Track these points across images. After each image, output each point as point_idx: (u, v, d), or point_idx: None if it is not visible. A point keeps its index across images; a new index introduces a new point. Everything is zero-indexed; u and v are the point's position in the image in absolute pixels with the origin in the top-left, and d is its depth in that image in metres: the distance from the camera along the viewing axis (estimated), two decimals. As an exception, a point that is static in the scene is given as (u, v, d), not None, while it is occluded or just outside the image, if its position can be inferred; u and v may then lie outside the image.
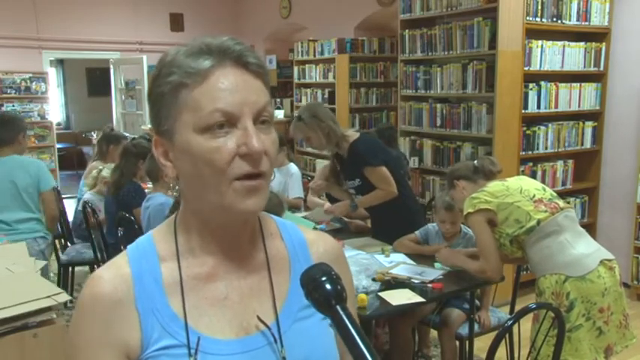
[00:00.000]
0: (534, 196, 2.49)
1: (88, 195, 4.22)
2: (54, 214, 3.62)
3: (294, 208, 4.13)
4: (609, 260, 2.38)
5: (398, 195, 3.13)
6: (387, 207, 3.16)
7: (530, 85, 4.22)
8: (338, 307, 0.72)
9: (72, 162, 10.47)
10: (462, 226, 2.99)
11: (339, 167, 3.49)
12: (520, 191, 2.50)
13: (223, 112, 0.77)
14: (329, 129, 3.14)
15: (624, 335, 2.39)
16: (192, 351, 0.80)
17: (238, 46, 0.80)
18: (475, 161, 2.76)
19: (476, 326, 2.89)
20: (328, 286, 0.73)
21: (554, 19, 4.26)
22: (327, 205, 3.53)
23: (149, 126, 7.90)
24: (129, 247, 0.88)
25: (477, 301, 2.94)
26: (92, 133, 9.22)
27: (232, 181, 0.78)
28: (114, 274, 0.83)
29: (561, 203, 2.51)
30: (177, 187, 0.87)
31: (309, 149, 7.37)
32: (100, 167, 4.38)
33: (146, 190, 3.80)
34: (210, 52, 0.79)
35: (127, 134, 7.36)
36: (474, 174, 2.69)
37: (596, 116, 4.67)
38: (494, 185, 2.56)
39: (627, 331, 2.41)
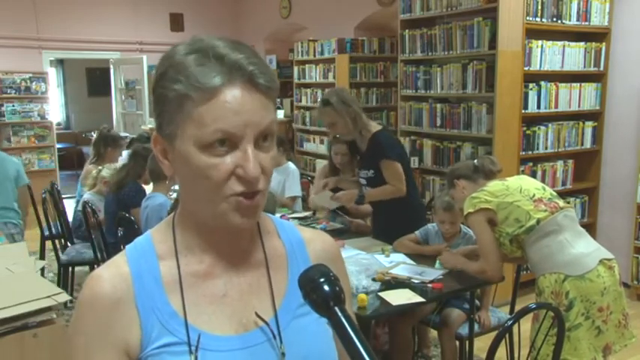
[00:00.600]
0: (534, 195, 2.49)
1: (87, 195, 4.22)
2: (28, 205, 4.25)
3: (286, 207, 4.12)
4: (609, 260, 2.39)
5: (405, 194, 3.14)
6: (392, 205, 3.17)
7: (530, 85, 4.22)
8: (336, 309, 0.72)
9: (72, 162, 10.47)
10: (461, 226, 2.99)
11: (354, 157, 3.50)
12: (520, 190, 2.50)
13: (225, 132, 0.76)
14: (355, 114, 3.15)
15: (623, 335, 2.40)
16: (193, 348, 0.80)
17: (251, 65, 0.78)
18: (475, 160, 2.76)
19: (476, 326, 2.89)
20: (326, 288, 0.73)
21: (554, 19, 4.26)
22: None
23: (149, 126, 7.93)
24: (127, 246, 0.88)
25: (477, 301, 2.94)
26: (92, 133, 9.19)
27: (227, 197, 0.78)
28: (113, 273, 0.83)
29: (561, 203, 2.51)
30: (175, 187, 0.87)
31: (309, 149, 7.38)
32: (100, 167, 4.38)
33: (147, 192, 3.81)
34: (221, 66, 0.77)
35: (127, 134, 7.39)
36: (474, 173, 2.70)
37: (596, 116, 4.67)
38: (494, 185, 2.56)
39: (626, 331, 2.41)
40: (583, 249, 2.39)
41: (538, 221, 2.41)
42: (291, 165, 4.32)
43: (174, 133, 0.80)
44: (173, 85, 0.78)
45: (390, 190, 3.14)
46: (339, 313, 0.72)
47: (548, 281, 2.37)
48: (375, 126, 3.26)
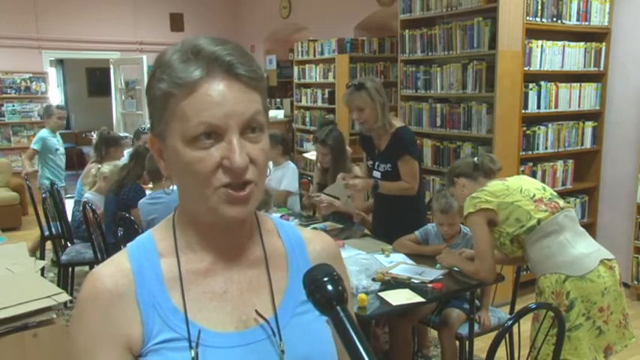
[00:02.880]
0: (534, 195, 2.49)
1: (88, 195, 4.23)
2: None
3: (278, 202, 4.10)
4: (609, 260, 2.39)
5: (414, 195, 3.19)
6: (396, 205, 3.19)
7: (530, 85, 4.22)
8: (338, 308, 0.73)
9: (72, 162, 10.46)
10: (461, 226, 2.99)
11: (340, 156, 3.53)
12: (520, 191, 2.50)
13: (208, 125, 0.77)
14: (385, 104, 3.13)
15: (624, 335, 2.40)
16: (193, 344, 0.80)
17: (229, 56, 0.78)
18: (475, 158, 2.76)
19: (476, 326, 2.89)
20: (330, 287, 0.74)
21: (554, 19, 4.26)
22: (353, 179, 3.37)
23: (149, 126, 7.91)
24: (129, 244, 0.89)
25: (477, 301, 2.93)
26: (92, 133, 9.20)
27: (217, 188, 0.79)
28: (114, 270, 0.84)
29: (561, 203, 2.51)
30: (173, 187, 0.88)
31: (310, 149, 7.38)
32: (99, 166, 4.39)
33: (147, 192, 3.82)
34: (200, 60, 0.78)
35: (127, 134, 7.37)
36: (474, 171, 2.69)
37: (596, 116, 4.67)
38: (494, 185, 2.56)
39: (627, 331, 2.41)
40: (584, 249, 2.39)
41: (539, 221, 2.40)
42: (290, 163, 4.33)
43: (164, 131, 0.81)
44: (159, 84, 0.80)
45: (404, 186, 3.16)
46: (341, 313, 0.72)
47: (549, 281, 2.37)
48: (398, 121, 3.28)
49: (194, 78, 0.77)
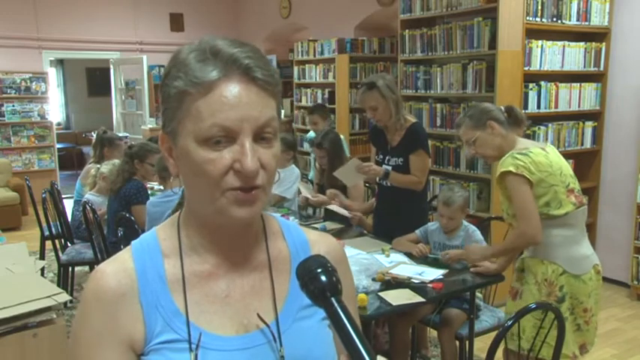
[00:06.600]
0: (569, 184, 2.41)
1: (88, 195, 4.24)
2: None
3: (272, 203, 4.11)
4: (597, 265, 2.46)
5: (421, 192, 3.23)
6: (403, 203, 3.20)
7: (530, 85, 4.22)
8: (333, 299, 0.72)
9: (72, 162, 10.49)
10: (463, 221, 2.98)
11: (336, 157, 3.56)
12: (560, 173, 2.38)
13: (222, 127, 0.77)
14: (398, 101, 3.17)
15: (595, 336, 2.50)
16: (194, 346, 0.81)
17: (248, 59, 0.78)
18: (502, 107, 2.61)
19: (476, 326, 2.89)
20: (323, 278, 0.74)
21: (554, 19, 4.27)
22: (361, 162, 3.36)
23: (149, 126, 7.92)
24: (133, 242, 0.89)
25: (477, 302, 2.93)
26: (92, 133, 9.20)
27: (226, 191, 0.79)
28: (118, 269, 0.84)
29: (584, 198, 2.50)
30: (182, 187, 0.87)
31: (310, 149, 7.38)
32: (98, 166, 4.40)
33: (149, 191, 3.83)
34: (218, 61, 0.78)
35: (127, 134, 7.38)
36: (506, 119, 2.53)
37: (596, 116, 4.67)
38: (537, 154, 2.38)
39: (595, 331, 2.51)
40: (586, 250, 2.44)
41: (566, 213, 2.36)
42: (295, 169, 4.33)
43: (176, 129, 0.81)
44: (174, 82, 0.79)
45: (413, 180, 3.18)
46: (336, 304, 0.72)
47: (545, 268, 2.38)
48: (412, 117, 3.32)
49: (211, 78, 0.77)
